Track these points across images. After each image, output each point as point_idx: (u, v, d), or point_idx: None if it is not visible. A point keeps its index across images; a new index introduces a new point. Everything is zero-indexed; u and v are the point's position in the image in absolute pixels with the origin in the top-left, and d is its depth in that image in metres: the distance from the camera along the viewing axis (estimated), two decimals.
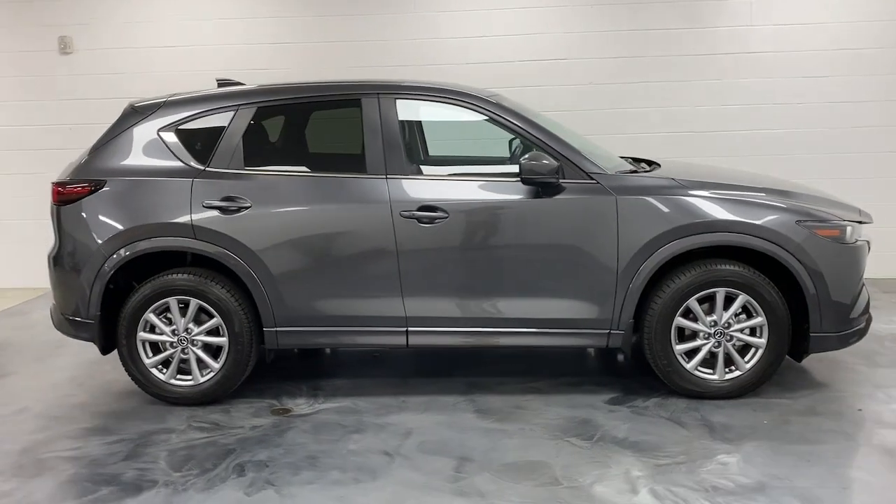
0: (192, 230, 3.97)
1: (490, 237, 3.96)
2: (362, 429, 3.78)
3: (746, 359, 3.96)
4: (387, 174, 3.98)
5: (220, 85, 4.49)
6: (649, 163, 4.67)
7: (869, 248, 4.17)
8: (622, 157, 4.80)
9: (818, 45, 6.36)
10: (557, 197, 3.90)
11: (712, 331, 3.93)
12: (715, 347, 3.95)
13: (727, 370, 3.99)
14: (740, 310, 3.93)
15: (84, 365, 4.82)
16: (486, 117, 4.08)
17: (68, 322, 4.18)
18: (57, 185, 4.15)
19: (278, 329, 4.05)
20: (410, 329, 4.03)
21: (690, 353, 3.98)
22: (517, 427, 3.75)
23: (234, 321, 4.02)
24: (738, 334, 3.93)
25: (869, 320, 4.19)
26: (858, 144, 6.46)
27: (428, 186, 3.99)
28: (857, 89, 6.38)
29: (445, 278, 3.98)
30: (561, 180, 3.90)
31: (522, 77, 6.56)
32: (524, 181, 3.85)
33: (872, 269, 6.47)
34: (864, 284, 4.08)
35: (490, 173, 4.15)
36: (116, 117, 4.24)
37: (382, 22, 6.63)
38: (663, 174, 4.11)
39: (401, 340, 4.05)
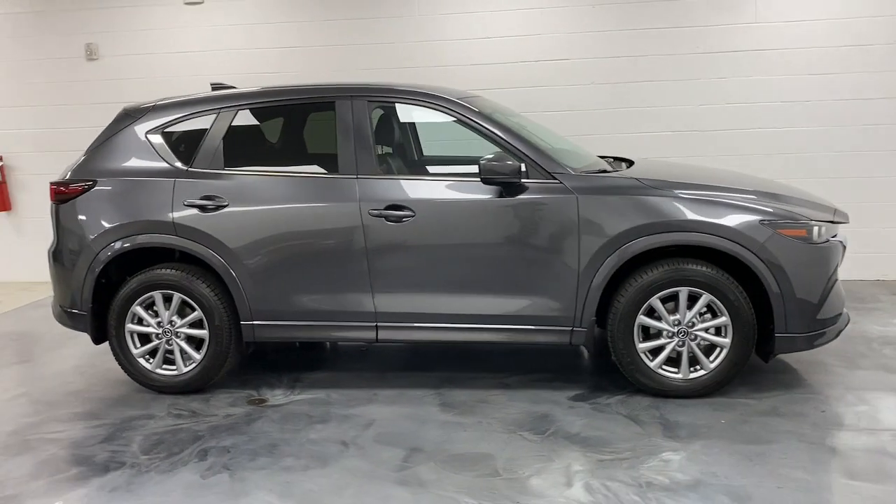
0: (174, 228, 4.18)
1: (455, 235, 4.05)
2: (327, 419, 3.93)
3: (711, 358, 3.97)
4: (357, 174, 4.12)
5: (213, 89, 4.70)
6: (629, 162, 4.70)
7: (844, 248, 4.12)
8: (603, 157, 4.85)
9: (825, 42, 6.24)
10: (521, 197, 3.98)
11: (675, 330, 3.95)
12: (679, 346, 3.97)
13: (692, 369, 4.00)
14: (705, 309, 3.94)
15: (89, 355, 5.10)
16: (454, 118, 4.18)
17: (66, 314, 4.45)
18: (54, 184, 4.42)
19: (254, 323, 4.23)
20: (380, 324, 4.16)
21: (655, 352, 4.01)
22: (475, 420, 3.84)
23: (214, 315, 4.22)
24: (703, 333, 3.94)
25: (845, 321, 4.14)
26: (867, 143, 6.31)
27: (396, 186, 4.11)
28: (866, 87, 6.23)
29: (412, 275, 4.10)
30: (524, 180, 3.97)
31: (524, 78, 6.62)
32: (484, 181, 3.94)
33: (881, 270, 6.40)
34: (835, 285, 4.02)
35: (457, 173, 4.24)
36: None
37: (387, 25, 6.77)
38: (628, 174, 4.13)
39: (371, 335, 4.18)
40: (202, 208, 4.18)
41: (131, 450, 3.66)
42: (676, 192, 3.94)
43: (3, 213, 7.55)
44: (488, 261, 4.04)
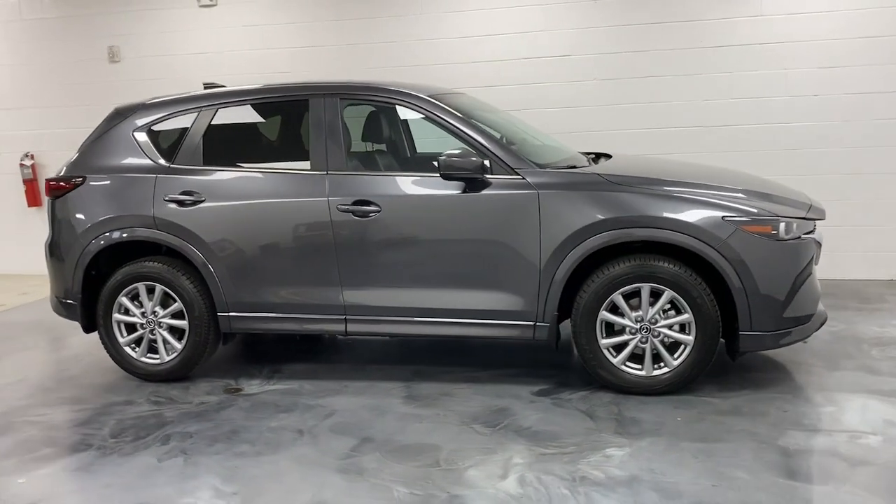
0: (155, 222, 4.36)
1: (420, 231, 4.11)
2: (292, 409, 4.04)
3: (675, 356, 3.93)
4: (328, 170, 4.22)
5: (205, 88, 4.86)
6: (609, 157, 4.69)
7: (819, 246, 4.02)
8: (585, 153, 4.85)
9: (833, 34, 6.06)
10: (484, 192, 4.01)
11: (638, 326, 3.93)
12: (642, 343, 3.94)
13: (656, 366, 3.97)
14: (669, 306, 3.90)
15: (90, 344, 5.30)
16: (422, 115, 4.24)
17: (60, 304, 4.68)
18: (49, 181, 4.66)
19: (231, 314, 4.38)
20: (349, 318, 4.25)
21: (619, 348, 3.99)
22: (433, 413, 3.90)
23: (194, 306, 4.38)
24: (665, 331, 3.91)
25: (819, 320, 4.05)
26: (878, 139, 6.11)
27: (364, 182, 4.19)
28: (877, 80, 6.03)
29: (379, 270, 4.18)
30: (488, 176, 4.00)
31: (525, 74, 6.63)
32: (443, 176, 3.98)
33: (894, 270, 6.17)
34: (806, 283, 3.92)
35: (424, 169, 4.30)
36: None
37: (391, 24, 6.87)
38: (592, 169, 4.12)
39: (340, 328, 4.28)
40: (180, 203, 4.34)
41: (102, 433, 3.84)
42: (638, 187, 3.92)
43: (34, 208, 7.92)
44: (452, 256, 4.09)
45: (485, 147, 4.07)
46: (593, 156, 4.90)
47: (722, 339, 3.98)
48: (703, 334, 3.85)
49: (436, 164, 3.97)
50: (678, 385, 3.94)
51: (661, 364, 3.96)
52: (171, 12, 7.39)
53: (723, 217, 3.79)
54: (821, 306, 4.15)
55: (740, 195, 3.93)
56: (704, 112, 6.36)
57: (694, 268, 3.87)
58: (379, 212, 4.10)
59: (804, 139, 6.22)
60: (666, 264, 3.85)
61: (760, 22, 6.16)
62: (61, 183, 4.58)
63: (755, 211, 3.82)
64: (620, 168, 4.24)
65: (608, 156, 4.91)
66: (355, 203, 4.13)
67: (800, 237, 3.90)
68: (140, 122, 4.57)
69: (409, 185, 4.15)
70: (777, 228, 3.80)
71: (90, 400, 4.33)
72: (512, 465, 3.27)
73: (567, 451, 3.40)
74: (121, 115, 4.66)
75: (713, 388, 4.04)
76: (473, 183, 4.01)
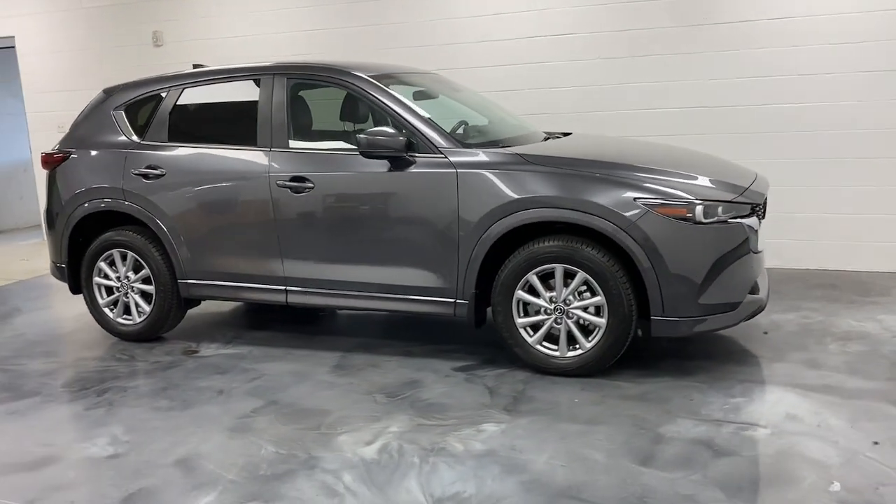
0: (124, 194, 4.72)
1: (349, 207, 4.25)
2: (228, 371, 4.30)
3: (590, 338, 3.89)
4: (271, 147, 4.43)
5: (194, 69, 5.18)
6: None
7: (755, 231, 3.84)
8: (550, 133, 4.87)
9: (847, 7, 5.65)
10: (408, 171, 4.09)
11: (552, 307, 3.91)
12: (557, 324, 3.92)
13: (572, 348, 3.94)
14: (584, 287, 3.86)
15: None
16: (355, 93, 4.38)
17: (55, 267, 5.16)
18: (42, 154, 5.12)
19: (189, 282, 4.69)
20: (289, 288, 4.46)
21: (537, 328, 3.99)
22: (347, 382, 4.05)
23: (159, 273, 4.73)
24: (579, 312, 3.87)
25: (746, 310, 3.87)
26: (894, 119, 5.67)
27: (301, 159, 4.37)
28: (894, 56, 5.58)
29: (313, 244, 4.35)
30: (413, 155, 4.08)
31: (532, 53, 6.56)
32: (363, 154, 4.10)
33: None
34: (732, 269, 3.76)
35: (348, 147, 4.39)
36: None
37: (402, 5, 6.97)
38: (514, 149, 4.10)
39: (282, 298, 4.50)
40: (146, 177, 4.68)
41: (55, 383, 4.24)
42: (554, 168, 3.89)
43: None
44: (379, 232, 4.20)
45: (412, 126, 4.14)
46: (559, 135, 4.88)
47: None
48: (615, 318, 3.79)
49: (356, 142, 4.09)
50: (592, 367, 3.90)
51: (577, 346, 3.93)
52: None
53: (634, 198, 3.70)
54: (758, 295, 3.97)
55: (662, 177, 3.81)
56: (710, 92, 6.10)
57: (612, 250, 3.80)
58: (312, 188, 4.27)
59: (815, 120, 5.85)
60: (578, 245, 3.81)
61: None
62: (52, 156, 5.03)
63: (669, 193, 3.71)
64: (549, 148, 4.21)
65: (568, 135, 4.91)
66: (292, 179, 4.32)
67: (725, 221, 3.75)
68: (119, 100, 4.94)
69: (340, 162, 4.30)
70: (693, 211, 3.67)
71: (64, 354, 4.78)
72: (384, 433, 3.38)
73: (447, 423, 3.46)
74: (106, 93, 5.05)
75: (634, 372, 3.97)
76: (398, 161, 4.10)
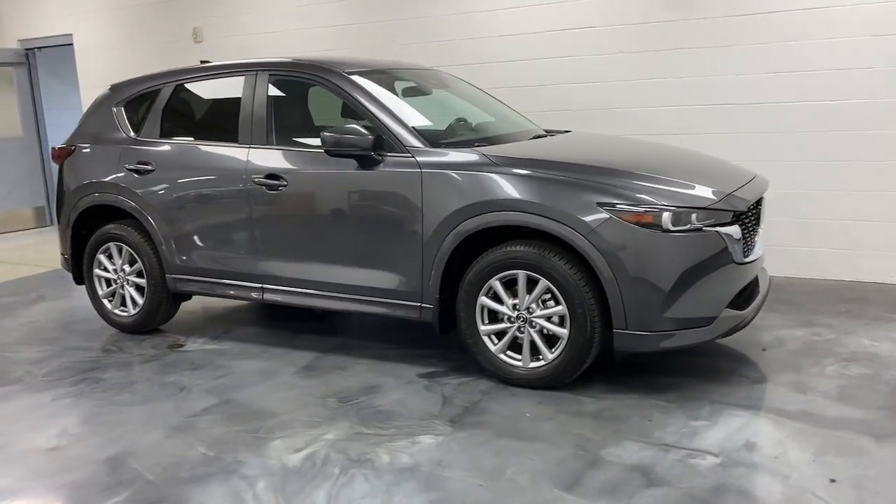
0: (117, 189, 4.82)
1: (319, 206, 4.19)
2: (200, 367, 4.32)
3: (553, 349, 3.69)
4: (250, 144, 4.42)
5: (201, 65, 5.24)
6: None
7: (731, 239, 3.54)
8: (550, 131, 4.73)
9: None
10: (376, 170, 3.99)
11: (515, 315, 3.73)
12: (520, 333, 3.74)
13: (535, 359, 3.75)
14: (549, 296, 3.66)
15: None
16: (328, 89, 4.29)
17: (63, 259, 5.33)
18: (52, 148, 5.29)
19: (175, 276, 4.74)
20: (265, 286, 4.44)
21: (502, 336, 3.82)
22: (309, 384, 3.99)
23: (150, 266, 4.81)
24: (542, 321, 3.68)
25: (725, 324, 3.58)
26: None
27: (276, 156, 4.33)
28: None
29: (286, 242, 4.32)
30: (380, 154, 3.97)
31: (550, 47, 6.33)
32: (328, 153, 4.01)
33: None
34: (704, 282, 3.48)
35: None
36: None
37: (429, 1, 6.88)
38: (482, 150, 3.91)
39: (258, 296, 4.48)
40: (137, 172, 4.76)
41: (40, 371, 4.37)
42: (517, 169, 3.70)
43: None
44: (346, 232, 4.12)
45: (382, 124, 4.04)
46: (559, 133, 4.73)
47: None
48: (576, 329, 3.58)
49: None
50: (554, 380, 3.70)
51: (540, 356, 3.73)
52: None
53: (597, 203, 3.48)
54: (742, 310, 3.67)
55: (631, 181, 3.57)
56: (737, 88, 5.70)
57: (576, 257, 3.58)
58: (285, 186, 4.23)
59: (852, 119, 5.38)
60: (541, 251, 3.61)
61: None
62: (61, 150, 5.19)
63: (635, 198, 3.46)
64: (523, 149, 4.02)
65: (567, 133, 4.73)
66: (267, 177, 4.29)
67: (700, 229, 3.48)
68: (120, 96, 5.04)
69: (312, 160, 4.23)
70: (659, 218, 3.42)
71: (60, 342, 4.91)
72: (318, 441, 3.30)
73: (385, 433, 3.35)
74: (112, 90, 5.17)
75: (601, 387, 3.74)
76: (365, 160, 4.00)
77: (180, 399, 3.86)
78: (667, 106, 5.97)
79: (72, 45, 9.29)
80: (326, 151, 4.01)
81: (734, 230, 3.57)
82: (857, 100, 5.35)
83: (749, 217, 3.78)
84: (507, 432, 3.31)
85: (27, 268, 7.41)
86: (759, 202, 3.96)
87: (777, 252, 5.46)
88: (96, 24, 9.02)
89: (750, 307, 3.75)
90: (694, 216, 3.48)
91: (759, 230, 4.04)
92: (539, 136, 4.55)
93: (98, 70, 9.01)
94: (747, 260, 3.72)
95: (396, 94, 4.59)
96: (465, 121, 4.74)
